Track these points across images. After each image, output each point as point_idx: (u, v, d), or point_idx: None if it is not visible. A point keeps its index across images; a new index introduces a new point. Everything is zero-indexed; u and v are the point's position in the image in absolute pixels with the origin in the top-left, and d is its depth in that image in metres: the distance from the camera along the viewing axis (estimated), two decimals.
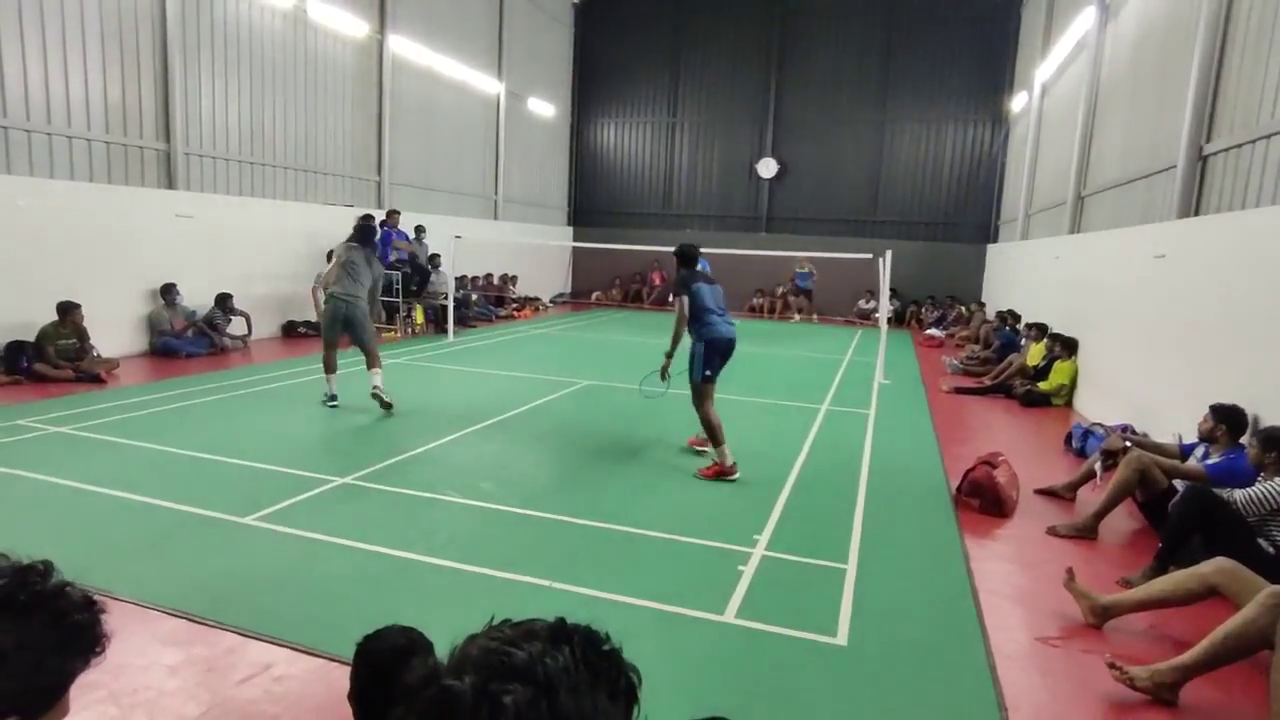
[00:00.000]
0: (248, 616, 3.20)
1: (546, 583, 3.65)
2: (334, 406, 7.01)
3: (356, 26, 13.05)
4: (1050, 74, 14.19)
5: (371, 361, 7.10)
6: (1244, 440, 4.39)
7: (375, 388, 6.94)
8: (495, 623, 0.77)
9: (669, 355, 5.79)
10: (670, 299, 5.81)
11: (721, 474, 5.46)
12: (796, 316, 18.74)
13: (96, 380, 7.70)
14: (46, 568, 0.99)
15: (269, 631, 3.09)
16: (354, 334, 7.13)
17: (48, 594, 0.97)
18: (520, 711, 0.65)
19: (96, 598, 1.02)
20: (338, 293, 6.96)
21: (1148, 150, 8.43)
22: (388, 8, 13.69)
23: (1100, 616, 3.49)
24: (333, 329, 7.07)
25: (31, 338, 7.81)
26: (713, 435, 5.54)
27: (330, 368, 7.12)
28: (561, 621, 0.75)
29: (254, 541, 4.02)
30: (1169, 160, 7.51)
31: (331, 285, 7.00)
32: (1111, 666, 2.98)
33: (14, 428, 5.89)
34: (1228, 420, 4.44)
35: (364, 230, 7.47)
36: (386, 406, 6.84)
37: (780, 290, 19.32)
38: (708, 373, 5.59)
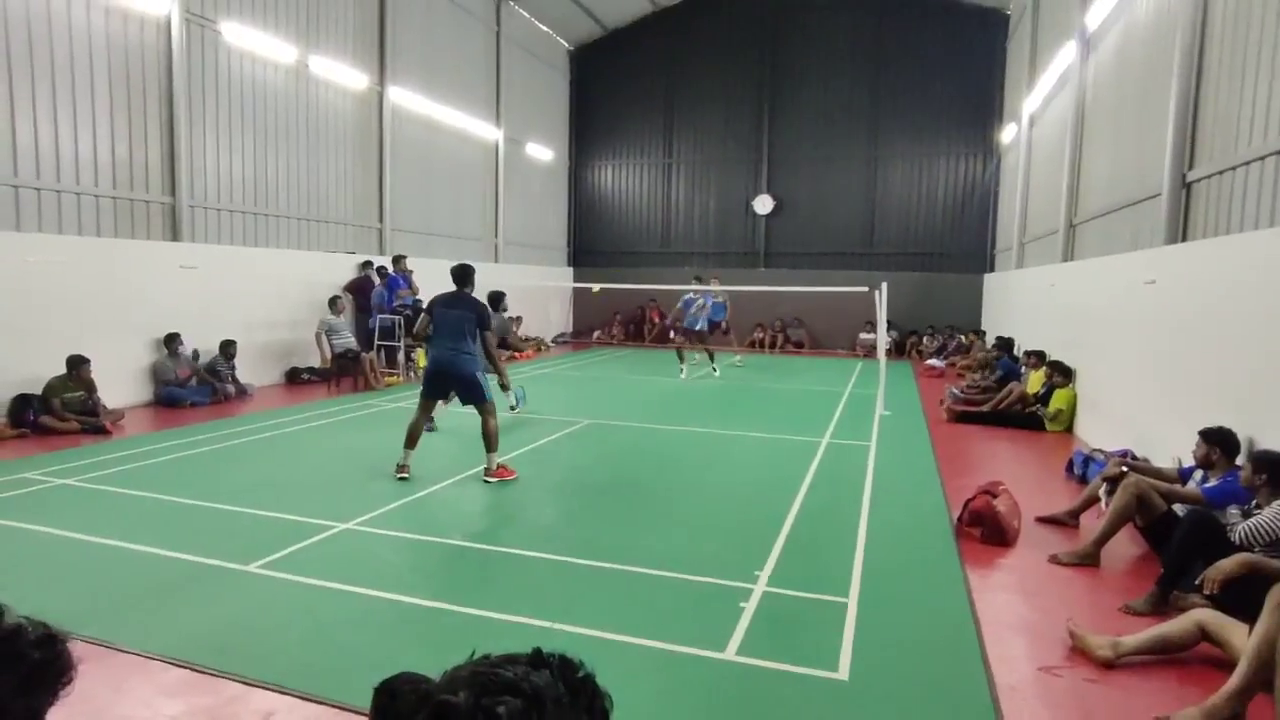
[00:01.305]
0: (250, 665, 3.21)
1: (548, 624, 3.65)
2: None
3: (356, 79, 13.41)
4: (1037, 105, 14.47)
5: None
6: (1240, 461, 4.41)
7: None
8: (475, 657, 0.82)
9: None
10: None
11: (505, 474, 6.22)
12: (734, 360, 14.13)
13: (102, 432, 7.77)
14: None
15: (271, 680, 3.10)
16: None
17: (2, 638, 0.96)
18: None
19: (57, 629, 1.01)
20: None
21: (1134, 178, 8.57)
22: (387, 60, 14.07)
23: (1111, 657, 3.44)
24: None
25: (38, 390, 7.90)
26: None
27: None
28: (538, 650, 0.80)
29: (257, 589, 4.04)
30: (1154, 188, 7.64)
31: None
32: None
33: (20, 480, 5.93)
34: (1220, 443, 4.46)
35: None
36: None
37: (671, 331, 14.63)
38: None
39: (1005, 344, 12.28)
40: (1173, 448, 5.72)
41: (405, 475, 6.16)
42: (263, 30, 11.36)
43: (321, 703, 2.96)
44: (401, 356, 12.43)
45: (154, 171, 9.94)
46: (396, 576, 4.23)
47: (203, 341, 10.10)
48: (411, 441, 6.29)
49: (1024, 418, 9.32)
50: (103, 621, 3.58)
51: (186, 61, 10.21)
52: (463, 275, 6.50)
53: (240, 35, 10.98)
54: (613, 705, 0.79)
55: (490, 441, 6.19)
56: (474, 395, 6.25)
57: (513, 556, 4.61)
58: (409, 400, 10.23)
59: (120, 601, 3.86)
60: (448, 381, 6.32)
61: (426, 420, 6.57)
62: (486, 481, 6.16)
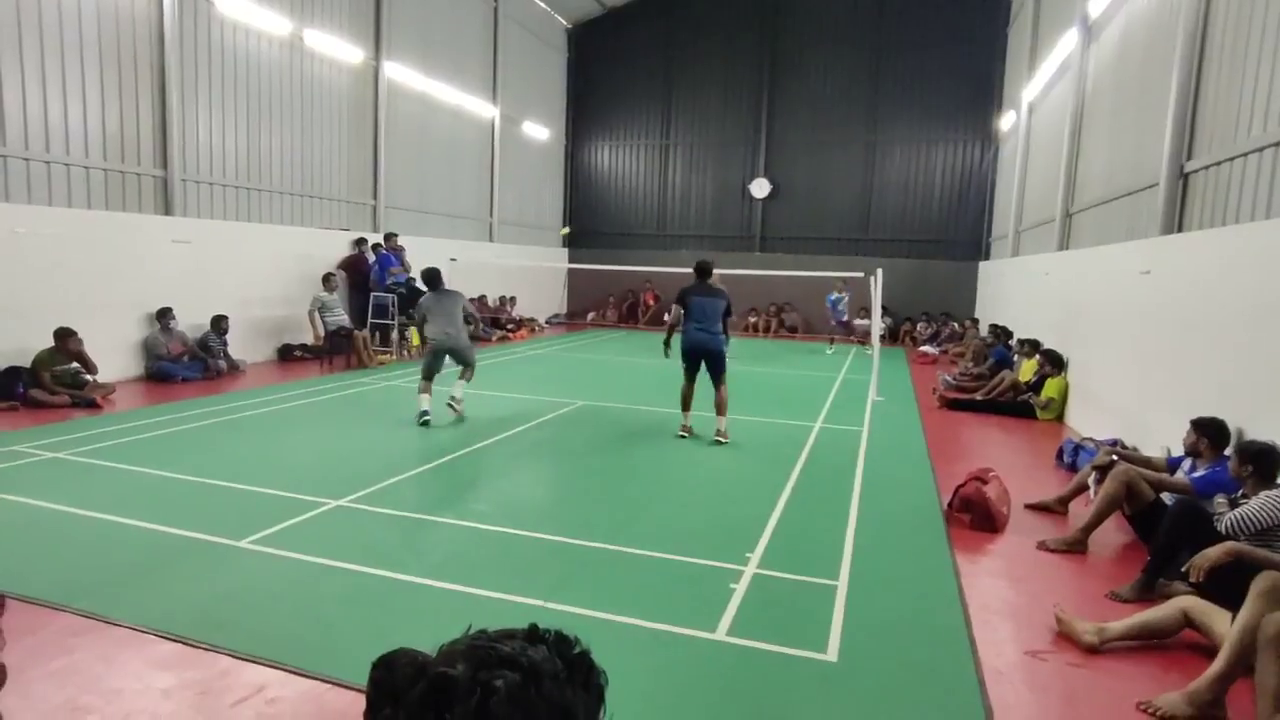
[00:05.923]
0: (242, 639, 3.22)
1: (540, 603, 3.67)
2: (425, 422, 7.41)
3: (352, 53, 13.23)
4: (1037, 93, 14.41)
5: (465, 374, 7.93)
6: (1228, 452, 4.44)
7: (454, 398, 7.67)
8: (472, 631, 0.81)
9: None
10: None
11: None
12: (830, 349, 15.91)
13: (92, 405, 7.72)
14: None
15: (262, 654, 3.11)
16: (456, 358, 8.02)
17: None
18: (512, 694, 0.70)
19: None
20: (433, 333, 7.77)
21: (1131, 168, 8.56)
22: (383, 34, 13.89)
23: (1096, 642, 3.48)
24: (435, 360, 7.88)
25: (27, 363, 7.84)
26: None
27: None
28: (534, 626, 0.80)
29: (248, 564, 4.04)
30: (1151, 178, 7.64)
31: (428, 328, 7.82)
32: (1143, 708, 2.97)
33: (9, 453, 5.90)
34: (1209, 433, 4.50)
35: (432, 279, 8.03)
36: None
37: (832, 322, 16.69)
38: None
39: (1003, 333, 12.31)
40: (1163, 437, 5.76)
41: (686, 434, 7.22)
42: (256, 2, 11.17)
43: (313, 677, 2.97)
44: (395, 335, 12.38)
45: (145, 144, 9.81)
46: (388, 554, 4.24)
47: (195, 316, 10.03)
48: (687, 405, 7.37)
49: (1016, 406, 9.39)
50: (94, 595, 3.58)
51: (179, 33, 10.04)
52: (706, 269, 7.44)
53: (233, 7, 10.80)
54: (608, 682, 0.79)
55: (724, 408, 7.20)
56: (719, 367, 7.18)
57: (505, 535, 4.62)
58: (401, 379, 10.22)
59: (111, 575, 3.86)
60: (704, 356, 7.18)
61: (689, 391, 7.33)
62: (719, 443, 7.06)
